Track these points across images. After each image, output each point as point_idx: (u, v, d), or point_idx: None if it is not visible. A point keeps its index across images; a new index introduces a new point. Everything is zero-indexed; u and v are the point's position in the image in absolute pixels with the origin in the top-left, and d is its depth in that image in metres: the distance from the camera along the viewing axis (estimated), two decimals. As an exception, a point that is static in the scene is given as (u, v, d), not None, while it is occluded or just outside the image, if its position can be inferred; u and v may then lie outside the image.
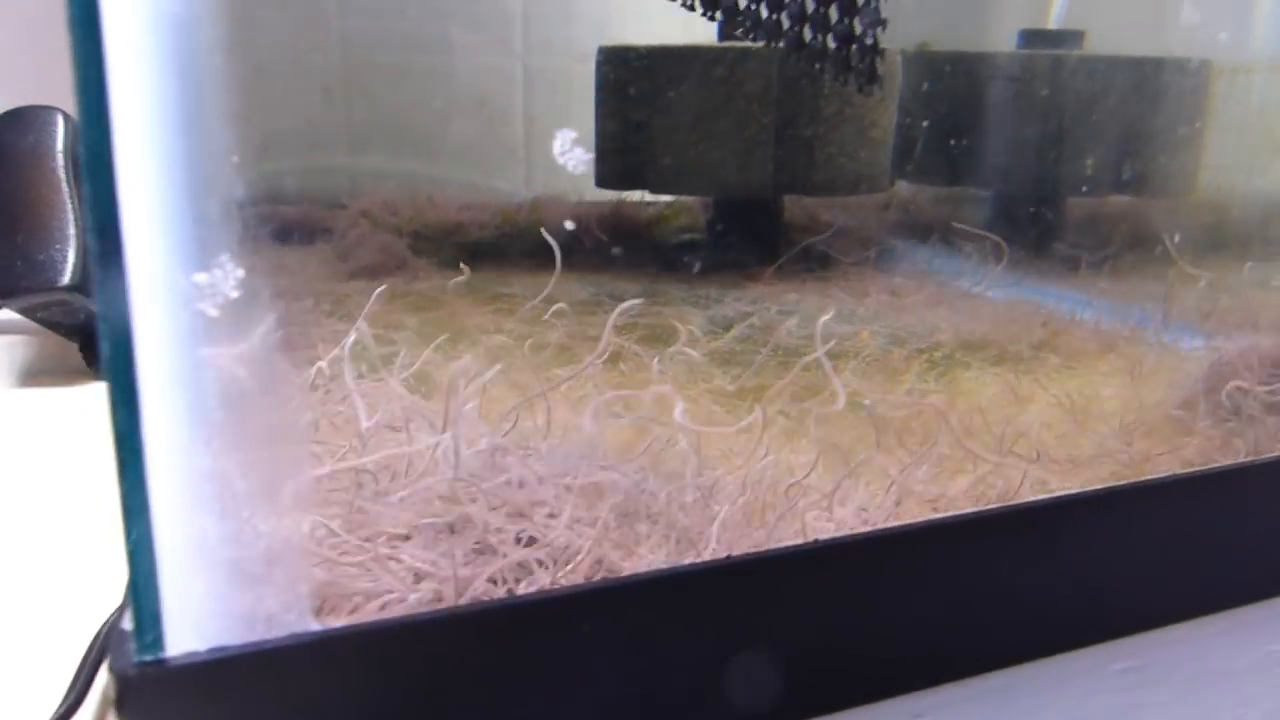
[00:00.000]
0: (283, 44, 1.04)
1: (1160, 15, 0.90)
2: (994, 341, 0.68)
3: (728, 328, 0.73)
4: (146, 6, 0.23)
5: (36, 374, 0.80)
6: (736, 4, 0.40)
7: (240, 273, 0.25)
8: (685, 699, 0.33)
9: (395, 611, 0.29)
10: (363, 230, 0.99)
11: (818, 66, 0.39)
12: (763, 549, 0.34)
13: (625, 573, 0.33)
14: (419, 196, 1.05)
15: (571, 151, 0.32)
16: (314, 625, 0.28)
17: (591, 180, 0.96)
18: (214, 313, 0.25)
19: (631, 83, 0.89)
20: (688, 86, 0.86)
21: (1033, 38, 0.94)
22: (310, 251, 0.98)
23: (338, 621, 0.29)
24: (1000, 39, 0.98)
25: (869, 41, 0.37)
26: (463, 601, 0.30)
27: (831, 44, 0.38)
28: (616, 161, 0.93)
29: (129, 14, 0.22)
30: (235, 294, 0.25)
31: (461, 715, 0.30)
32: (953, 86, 0.93)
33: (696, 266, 0.92)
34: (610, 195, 1.00)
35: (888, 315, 0.76)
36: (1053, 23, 0.95)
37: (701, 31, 0.91)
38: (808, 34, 0.39)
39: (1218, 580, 0.44)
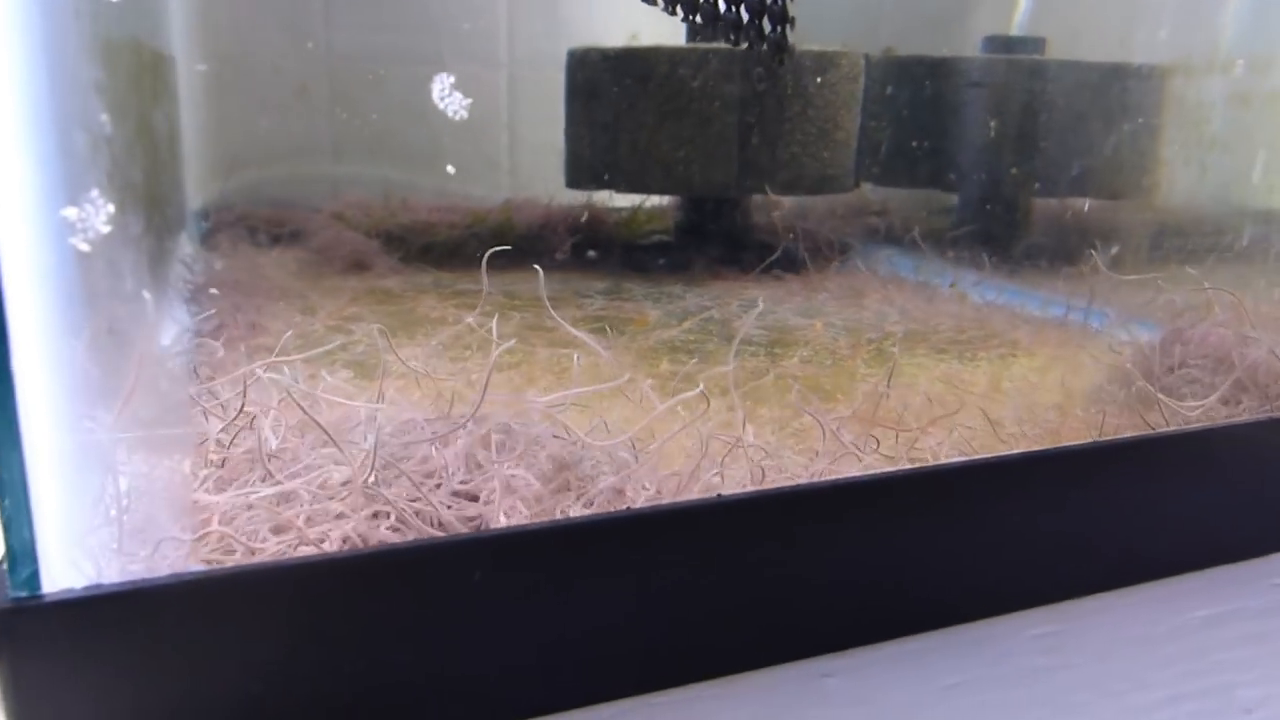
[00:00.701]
0: (268, 56, 1.05)
1: (1121, 22, 0.91)
2: (940, 332, 0.68)
3: (683, 320, 0.74)
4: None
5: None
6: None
7: (110, 208, 0.25)
8: (583, 653, 0.33)
9: (271, 556, 0.29)
10: (334, 231, 1.00)
11: (733, 38, 0.39)
12: (673, 501, 0.34)
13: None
14: (393, 199, 1.06)
15: (451, 96, 0.32)
16: (195, 566, 0.28)
17: (560, 180, 0.97)
18: (85, 248, 0.25)
19: (598, 84, 0.90)
20: (653, 87, 0.87)
21: (995, 43, 0.95)
22: (284, 251, 0.99)
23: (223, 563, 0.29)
24: (965, 45, 0.99)
25: (778, 10, 0.37)
26: (345, 549, 0.30)
27: (744, 15, 0.39)
28: (585, 162, 0.93)
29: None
30: (106, 229, 0.25)
31: (342, 659, 0.30)
32: (916, 90, 0.94)
33: (662, 263, 0.93)
34: (581, 196, 1.01)
35: (843, 310, 0.76)
36: (1015, 29, 0.95)
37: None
38: (722, 6, 0.39)
39: (1141, 551, 0.43)
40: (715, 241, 0.93)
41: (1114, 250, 0.71)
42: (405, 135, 1.07)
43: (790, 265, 0.90)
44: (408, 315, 0.75)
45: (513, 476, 0.36)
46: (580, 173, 0.94)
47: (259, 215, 1.05)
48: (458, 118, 0.32)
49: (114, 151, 0.26)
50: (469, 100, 0.35)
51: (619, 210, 1.04)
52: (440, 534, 0.32)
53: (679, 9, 0.40)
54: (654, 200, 1.03)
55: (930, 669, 0.37)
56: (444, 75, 0.31)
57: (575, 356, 0.49)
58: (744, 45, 0.39)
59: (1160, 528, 0.44)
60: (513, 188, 1.09)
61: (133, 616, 0.27)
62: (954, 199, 0.96)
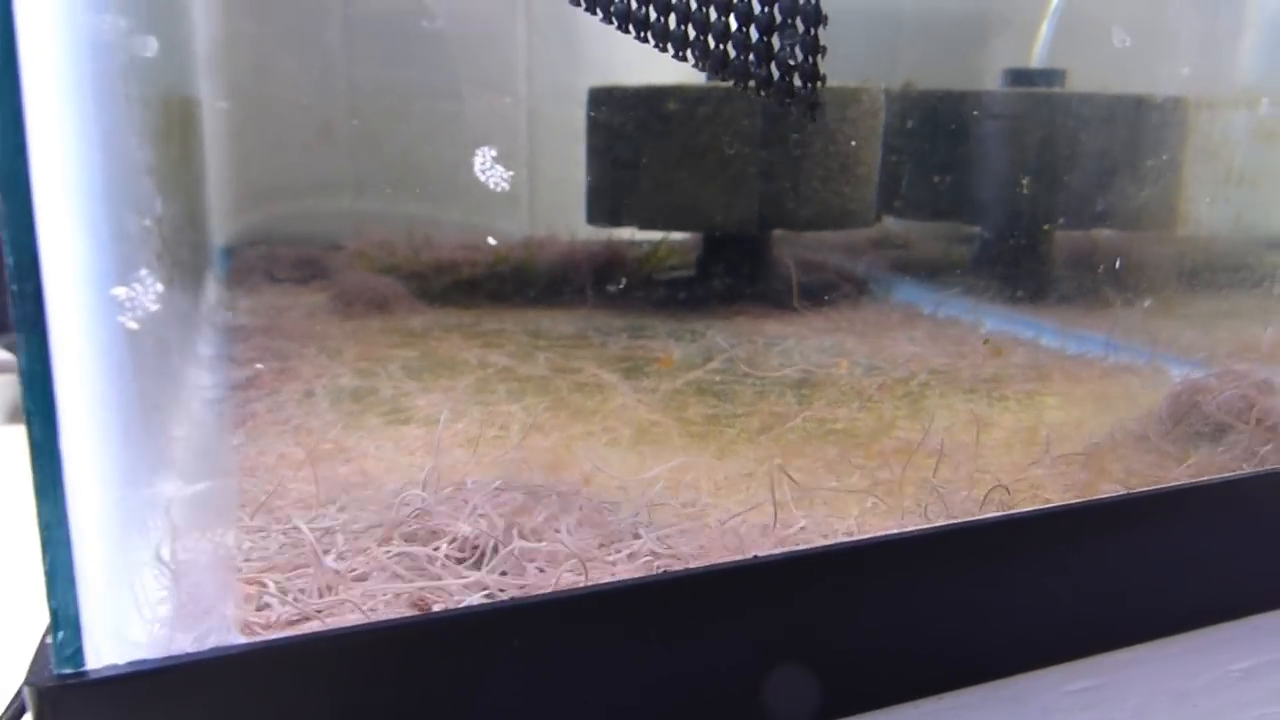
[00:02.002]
0: (289, 92, 1.07)
1: (1139, 54, 0.91)
2: (963, 369, 0.68)
3: (708, 359, 0.74)
4: (66, 28, 0.23)
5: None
6: (686, 35, 0.41)
7: (159, 287, 0.25)
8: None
9: (313, 627, 0.30)
10: (357, 271, 1.00)
11: (762, 93, 0.39)
12: (702, 565, 0.34)
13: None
14: (416, 237, 1.06)
15: (492, 169, 0.32)
16: (238, 639, 0.29)
17: (581, 217, 0.98)
18: (134, 325, 0.25)
19: (620, 122, 0.91)
20: (674, 125, 0.88)
21: (1016, 77, 0.95)
22: (308, 292, 1.00)
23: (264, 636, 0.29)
24: (985, 77, 0.99)
25: (809, 68, 0.38)
26: (385, 617, 0.30)
27: (775, 72, 0.39)
28: (606, 199, 0.94)
29: (48, 32, 0.23)
30: (155, 307, 0.25)
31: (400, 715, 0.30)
32: (937, 124, 0.94)
33: (683, 299, 0.93)
34: (602, 233, 1.01)
35: (867, 347, 0.76)
36: (1035, 62, 0.95)
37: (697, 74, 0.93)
38: (752, 62, 0.40)
39: (1179, 601, 0.43)
40: (737, 277, 0.94)
41: (1141, 288, 0.71)
42: (426, 170, 1.08)
43: (813, 299, 0.90)
44: (433, 357, 0.76)
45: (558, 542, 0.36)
46: (601, 210, 0.94)
47: (282, 253, 1.06)
48: (499, 190, 0.33)
49: (163, 231, 0.26)
50: (510, 173, 0.36)
51: (640, 245, 1.05)
52: (482, 602, 0.32)
53: (707, 65, 0.41)
54: (676, 236, 1.04)
55: (969, 727, 0.36)
56: (486, 149, 0.31)
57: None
58: (773, 99, 0.39)
59: (1196, 576, 0.43)
60: (532, 223, 1.09)
61: (176, 692, 0.27)
62: (975, 231, 0.96)
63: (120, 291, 0.25)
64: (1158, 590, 0.42)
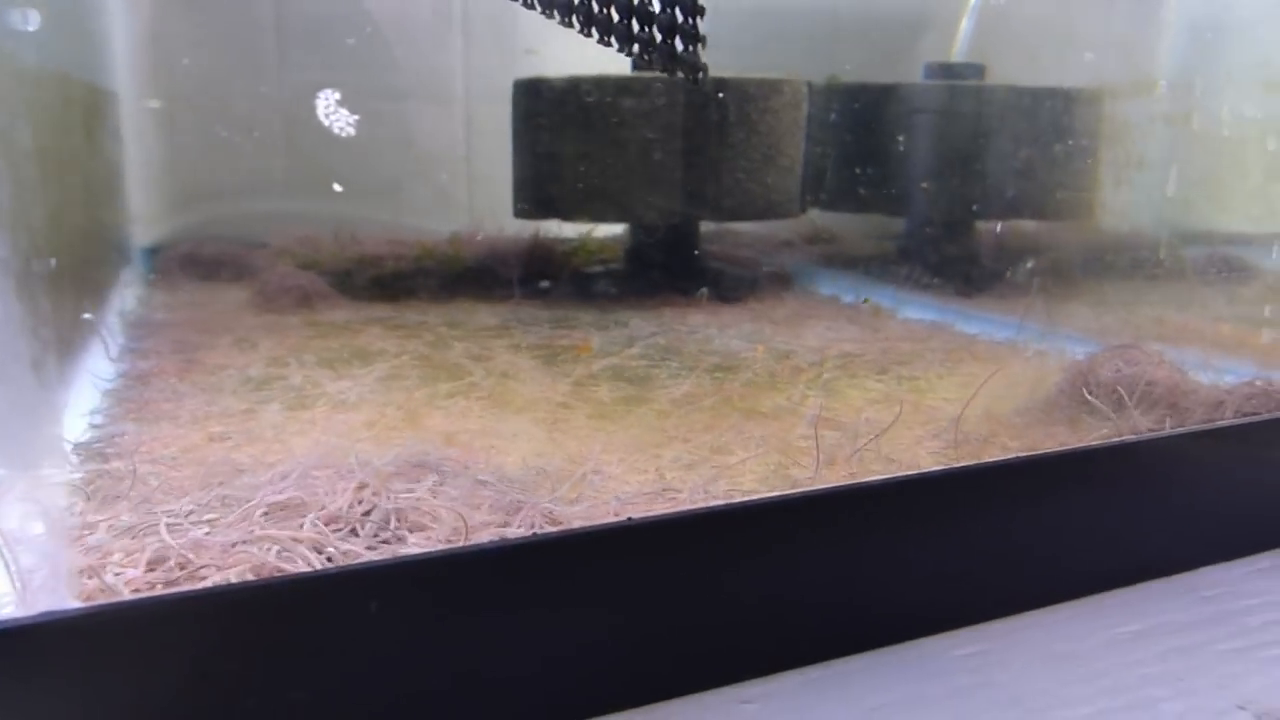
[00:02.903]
0: (221, 94, 1.05)
1: (1056, 47, 0.92)
2: (881, 355, 0.68)
3: (628, 346, 0.73)
4: None
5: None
6: (571, 2, 0.40)
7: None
8: (489, 685, 0.32)
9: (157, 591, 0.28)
10: (281, 267, 0.99)
11: (646, 57, 0.39)
12: (582, 526, 0.33)
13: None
14: (342, 234, 1.05)
15: (337, 114, 0.31)
16: (72, 603, 0.27)
17: (509, 211, 0.97)
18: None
19: (544, 114, 0.90)
20: (596, 116, 0.87)
21: (937, 70, 0.96)
22: (230, 288, 0.98)
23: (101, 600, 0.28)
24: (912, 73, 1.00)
25: (689, 29, 0.37)
26: (227, 582, 0.29)
27: (658, 35, 0.39)
28: (531, 192, 0.93)
29: None
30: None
31: (231, 696, 0.29)
32: (860, 117, 0.95)
33: (613, 292, 0.92)
34: (530, 227, 1.01)
35: (787, 334, 0.76)
36: (955, 56, 0.97)
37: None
38: (636, 28, 0.39)
39: (1071, 569, 0.43)
40: (664, 269, 0.93)
41: (1049, 271, 0.72)
42: (360, 171, 1.07)
43: (737, 289, 0.90)
44: (350, 348, 0.74)
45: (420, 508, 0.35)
46: (527, 202, 0.94)
47: (207, 251, 1.04)
48: (344, 134, 0.32)
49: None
50: (356, 117, 0.35)
51: (569, 240, 1.04)
52: (332, 565, 0.31)
53: (594, 30, 0.40)
54: (605, 229, 1.03)
55: (854, 691, 0.36)
56: (328, 91, 0.30)
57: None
58: (657, 64, 0.38)
59: (1090, 544, 0.43)
60: (471, 222, 1.08)
61: (5, 654, 0.26)
62: (900, 223, 0.97)
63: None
64: (1049, 558, 0.42)
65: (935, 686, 0.36)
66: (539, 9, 0.43)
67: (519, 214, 0.96)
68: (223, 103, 1.06)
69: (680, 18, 0.39)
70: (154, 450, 0.50)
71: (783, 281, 0.92)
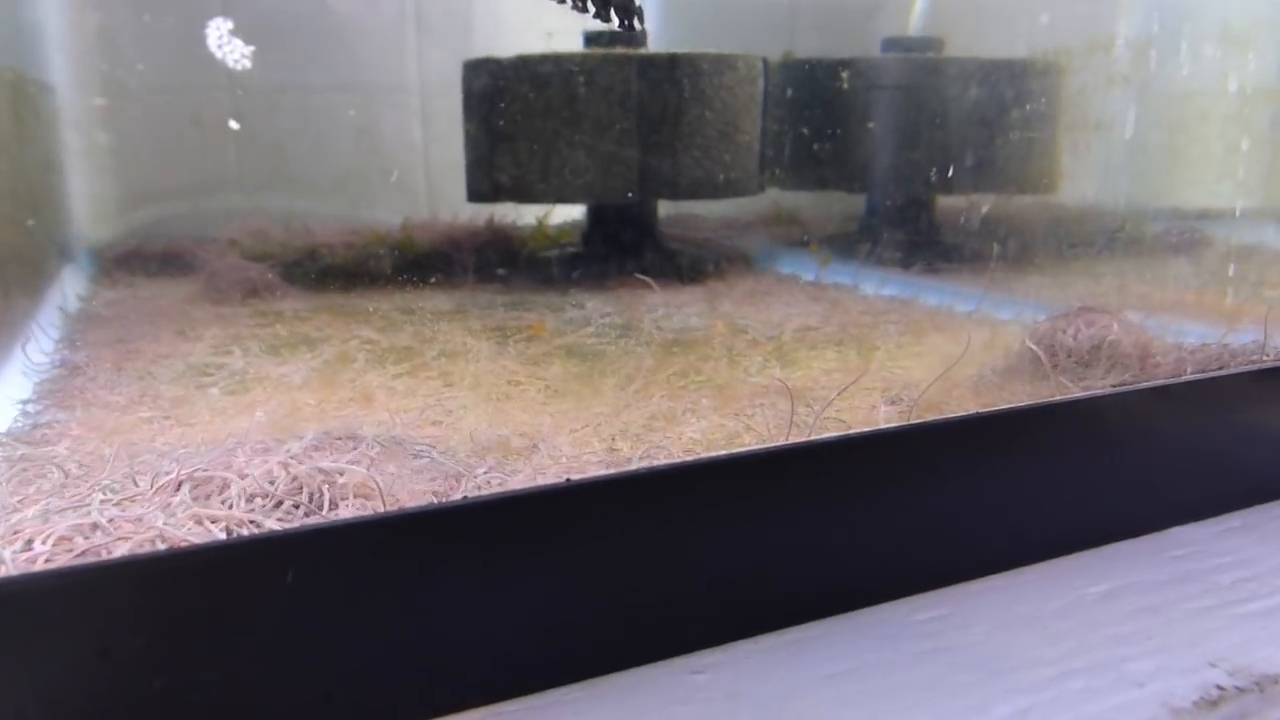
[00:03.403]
0: (167, 89, 1.02)
1: (1011, 16, 0.91)
2: (840, 327, 0.67)
3: (583, 327, 0.72)
4: None
5: None
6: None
7: None
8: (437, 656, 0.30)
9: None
10: (229, 259, 0.96)
11: (580, 6, 0.37)
12: (515, 489, 0.31)
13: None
14: (293, 225, 1.03)
15: (230, 44, 0.29)
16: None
17: (463, 196, 0.95)
18: None
19: (495, 95, 0.88)
20: (549, 94, 0.85)
21: (893, 44, 0.95)
22: (176, 281, 0.95)
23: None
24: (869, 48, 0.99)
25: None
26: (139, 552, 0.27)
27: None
28: (485, 174, 0.91)
29: None
30: None
31: (136, 676, 0.26)
32: (817, 92, 0.94)
33: (574, 275, 0.91)
34: (485, 211, 0.99)
35: (746, 311, 0.75)
36: (912, 30, 0.96)
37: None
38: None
39: (1035, 531, 0.42)
40: (622, 251, 0.92)
41: (1011, 243, 0.71)
42: (314, 164, 1.04)
43: (697, 270, 0.88)
44: (297, 335, 0.72)
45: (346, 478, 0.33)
46: (480, 185, 0.92)
47: (156, 247, 1.01)
48: (239, 67, 0.30)
49: None
50: (251, 48, 0.33)
51: (525, 225, 1.02)
52: (251, 532, 0.29)
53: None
54: (562, 213, 1.02)
55: (809, 659, 0.34)
56: (220, 19, 0.28)
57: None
58: (591, 13, 0.37)
59: (1054, 505, 0.42)
60: (429, 210, 1.06)
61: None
62: (861, 200, 0.96)
63: None
64: (1012, 520, 0.41)
65: (893, 652, 0.35)
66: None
67: (472, 198, 0.94)
68: (170, 97, 1.03)
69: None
70: (81, 435, 0.48)
71: (743, 261, 0.91)
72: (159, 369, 0.63)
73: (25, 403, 0.55)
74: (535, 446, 0.41)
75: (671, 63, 0.83)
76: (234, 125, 1.01)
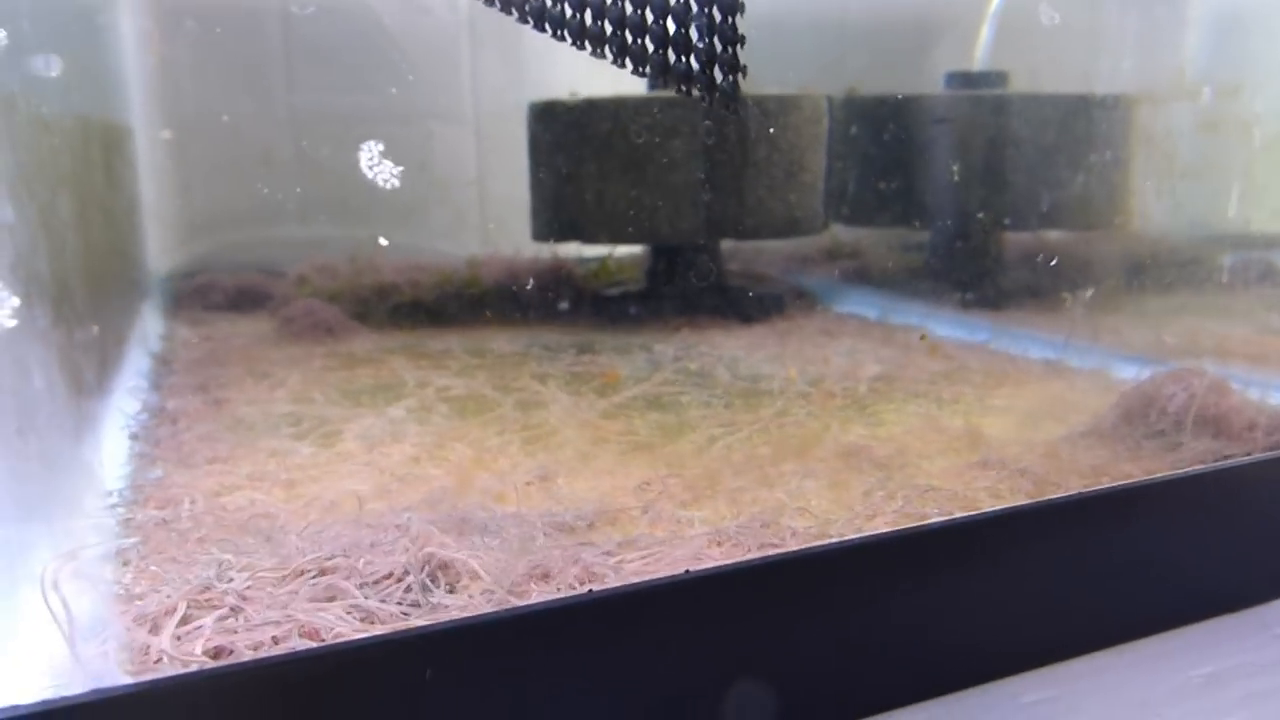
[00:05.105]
0: (232, 121, 1.04)
1: (1083, 54, 0.91)
2: (913, 377, 0.67)
3: (655, 373, 0.72)
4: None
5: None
6: (603, 31, 0.39)
7: (15, 301, 0.23)
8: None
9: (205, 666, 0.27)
10: (300, 298, 0.98)
11: (683, 88, 0.38)
12: (630, 584, 0.32)
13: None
14: (359, 260, 1.04)
15: (380, 165, 0.30)
16: (123, 679, 0.26)
17: (524, 232, 0.96)
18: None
19: (562, 136, 0.89)
20: (615, 137, 0.86)
21: (958, 79, 0.95)
22: (249, 320, 0.97)
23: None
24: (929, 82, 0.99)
25: (728, 59, 0.36)
26: (278, 652, 0.28)
27: (695, 65, 0.37)
28: (551, 214, 0.92)
29: None
30: (11, 322, 0.23)
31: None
32: (881, 129, 0.94)
33: (633, 313, 0.91)
34: (548, 250, 1.00)
35: (813, 354, 0.75)
36: (977, 65, 0.95)
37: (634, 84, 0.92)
38: (672, 57, 0.38)
39: (1136, 607, 0.42)
40: (686, 288, 0.92)
41: (1090, 287, 0.70)
42: (372, 195, 1.06)
43: (761, 309, 0.88)
44: (374, 382, 0.73)
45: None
46: (545, 225, 0.93)
47: (226, 282, 1.03)
48: (389, 186, 0.31)
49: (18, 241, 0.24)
50: (400, 168, 0.34)
51: (588, 261, 1.03)
52: (384, 630, 0.29)
53: (628, 61, 0.39)
54: (624, 249, 1.02)
55: (922, 746, 0.35)
56: (372, 143, 0.30)
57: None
58: (695, 94, 0.37)
59: (1155, 579, 0.42)
60: (483, 243, 1.07)
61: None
62: (925, 237, 0.95)
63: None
64: (1114, 595, 0.41)
65: (1006, 739, 0.35)
66: (570, 41, 0.42)
67: (538, 237, 0.95)
68: (234, 130, 1.06)
69: (720, 47, 0.38)
70: (191, 492, 0.49)
71: (806, 299, 0.91)
72: (248, 417, 0.64)
73: (126, 461, 0.57)
74: (648, 510, 0.42)
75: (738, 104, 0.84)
76: (297, 154, 1.03)
